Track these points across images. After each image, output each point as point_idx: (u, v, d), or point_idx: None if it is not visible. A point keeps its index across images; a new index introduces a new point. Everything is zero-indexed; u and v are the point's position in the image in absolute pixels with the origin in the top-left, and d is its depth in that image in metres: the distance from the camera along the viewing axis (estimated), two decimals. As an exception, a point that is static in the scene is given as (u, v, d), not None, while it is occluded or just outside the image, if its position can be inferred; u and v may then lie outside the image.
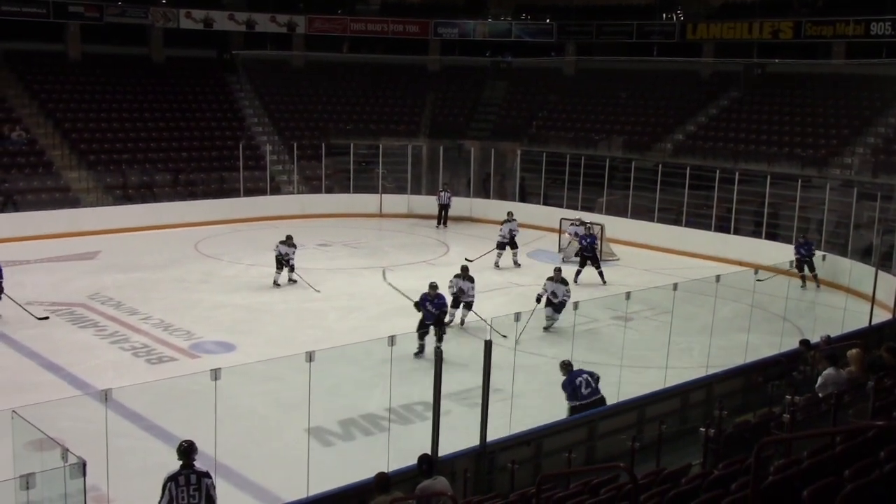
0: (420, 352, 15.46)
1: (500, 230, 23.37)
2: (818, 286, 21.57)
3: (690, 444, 10.57)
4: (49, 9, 31.89)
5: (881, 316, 17.15)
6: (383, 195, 30.88)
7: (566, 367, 12.01)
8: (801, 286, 21.47)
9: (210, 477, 7.84)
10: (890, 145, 26.04)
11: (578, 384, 11.73)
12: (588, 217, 25.69)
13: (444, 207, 29.20)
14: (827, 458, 6.21)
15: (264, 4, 36.81)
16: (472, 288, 17.45)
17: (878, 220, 21.34)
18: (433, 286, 16.09)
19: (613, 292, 19.05)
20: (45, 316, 17.37)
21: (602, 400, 11.85)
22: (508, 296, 20.23)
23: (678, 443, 11.16)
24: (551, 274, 17.64)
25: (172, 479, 7.72)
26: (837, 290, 20.83)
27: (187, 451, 7.85)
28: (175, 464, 7.77)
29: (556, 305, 17.16)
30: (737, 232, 25.16)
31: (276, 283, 20.37)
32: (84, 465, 7.07)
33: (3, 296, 17.26)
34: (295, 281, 20.53)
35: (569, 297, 16.90)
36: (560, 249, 24.73)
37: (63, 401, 11.86)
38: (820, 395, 10.66)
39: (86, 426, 9.94)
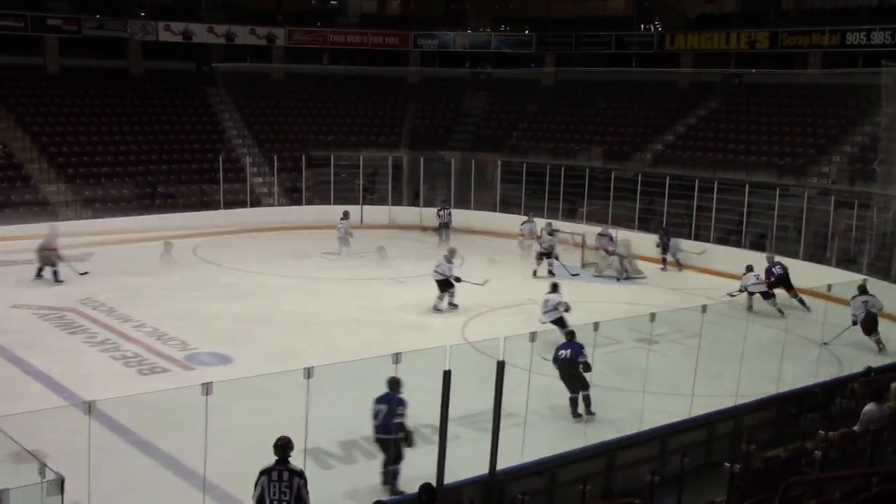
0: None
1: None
2: (806, 308, 19.04)
3: (714, 480, 9.91)
4: (27, 22, 31.71)
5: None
6: (364, 206, 30.80)
7: (570, 334, 13.35)
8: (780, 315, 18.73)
9: (303, 477, 7.81)
10: (866, 154, 26.24)
11: (559, 353, 12.96)
12: (571, 227, 25.82)
13: (444, 226, 28.54)
14: (862, 501, 5.78)
15: (244, 17, 36.75)
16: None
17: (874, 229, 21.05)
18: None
19: (637, 312, 17.23)
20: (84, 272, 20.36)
21: (571, 371, 12.77)
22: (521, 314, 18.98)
23: (701, 477, 10.47)
24: None
25: (266, 472, 7.79)
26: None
27: (283, 447, 7.83)
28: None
29: None
30: (722, 242, 25.19)
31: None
32: (62, 481, 6.71)
33: None
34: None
35: None
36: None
37: (45, 412, 11.01)
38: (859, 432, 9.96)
39: (68, 438, 9.51)
